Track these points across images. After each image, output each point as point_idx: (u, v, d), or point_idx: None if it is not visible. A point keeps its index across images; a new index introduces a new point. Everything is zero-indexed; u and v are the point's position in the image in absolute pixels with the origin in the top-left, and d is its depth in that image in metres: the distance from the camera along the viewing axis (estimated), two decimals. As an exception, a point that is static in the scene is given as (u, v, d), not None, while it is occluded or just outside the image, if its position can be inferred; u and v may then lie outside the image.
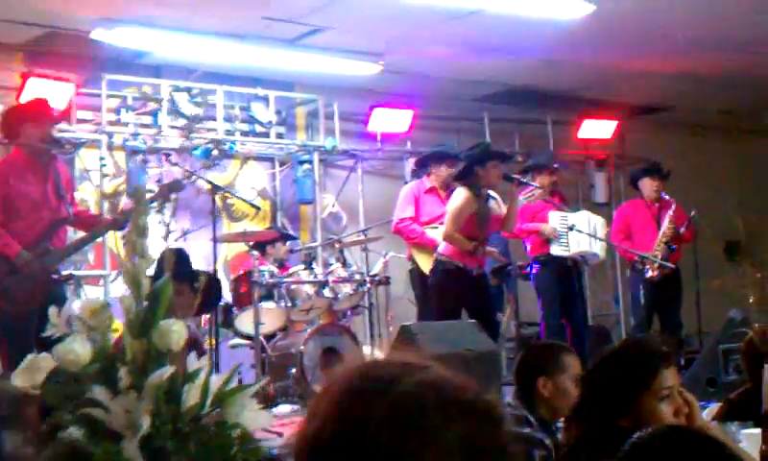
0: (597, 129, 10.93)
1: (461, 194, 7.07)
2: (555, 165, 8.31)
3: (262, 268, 7.67)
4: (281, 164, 9.78)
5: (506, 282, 9.37)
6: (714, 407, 4.61)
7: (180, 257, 4.52)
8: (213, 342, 7.00)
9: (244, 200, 8.72)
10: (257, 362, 7.28)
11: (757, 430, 3.56)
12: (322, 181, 9.81)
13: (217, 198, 7.70)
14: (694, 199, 11.60)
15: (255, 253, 7.73)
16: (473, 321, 6.32)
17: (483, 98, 10.54)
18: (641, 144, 11.33)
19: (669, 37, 8.53)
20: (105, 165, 8.46)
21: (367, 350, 7.72)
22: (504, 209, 7.29)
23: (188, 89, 8.73)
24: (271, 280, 7.58)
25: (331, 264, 8.19)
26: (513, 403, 3.73)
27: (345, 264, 8.18)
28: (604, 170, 11.11)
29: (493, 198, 7.29)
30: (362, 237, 8.49)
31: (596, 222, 8.31)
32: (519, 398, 3.74)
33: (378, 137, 9.80)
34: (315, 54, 8.77)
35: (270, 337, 7.81)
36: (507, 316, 9.54)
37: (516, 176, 7.51)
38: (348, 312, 8.23)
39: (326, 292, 7.86)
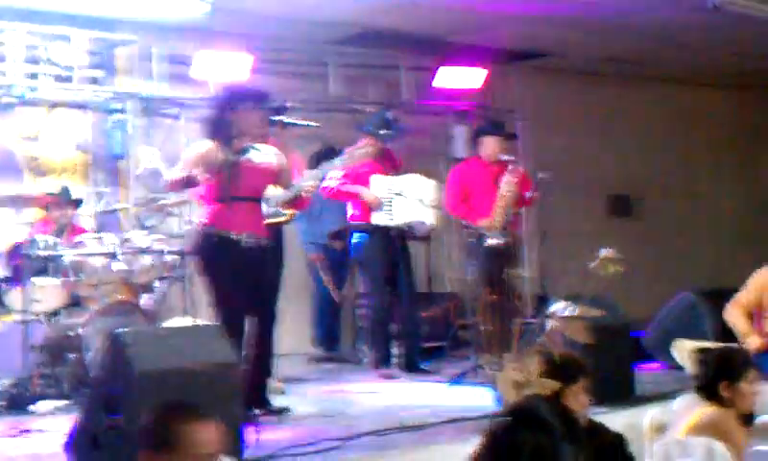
0: (460, 77, 9.89)
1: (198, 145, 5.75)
2: (385, 131, 7.35)
3: (37, 237, 6.61)
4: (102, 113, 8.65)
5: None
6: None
7: None
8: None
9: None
10: (25, 346, 6.27)
11: None
12: (143, 133, 8.67)
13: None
14: (565, 149, 10.84)
15: (31, 220, 6.68)
16: (217, 324, 5.10)
17: (332, 41, 9.53)
18: (510, 94, 10.43)
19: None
20: None
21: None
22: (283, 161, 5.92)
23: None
24: (44, 252, 6.51)
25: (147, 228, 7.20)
26: None
27: (151, 229, 7.22)
28: (465, 123, 10.12)
29: (259, 148, 5.96)
30: (171, 200, 7.38)
31: (428, 186, 7.40)
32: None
33: (210, 84, 8.68)
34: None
35: (54, 315, 6.77)
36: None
37: (283, 118, 6.16)
38: (155, 287, 7.22)
39: (120, 264, 6.83)
